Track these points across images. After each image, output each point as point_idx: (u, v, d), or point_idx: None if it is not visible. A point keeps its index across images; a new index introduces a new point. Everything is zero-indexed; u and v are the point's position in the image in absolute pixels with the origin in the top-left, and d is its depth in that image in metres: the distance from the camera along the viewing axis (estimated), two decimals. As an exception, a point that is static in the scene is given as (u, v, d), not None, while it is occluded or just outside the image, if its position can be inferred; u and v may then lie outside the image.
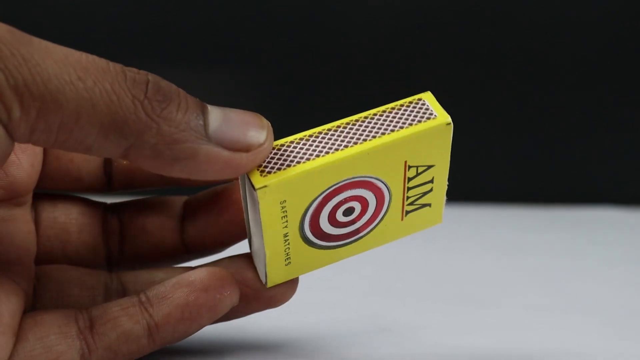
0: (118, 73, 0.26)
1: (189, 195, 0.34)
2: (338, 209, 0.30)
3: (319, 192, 0.29)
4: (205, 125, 0.27)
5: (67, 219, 0.33)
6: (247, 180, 0.29)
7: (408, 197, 0.31)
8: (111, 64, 0.26)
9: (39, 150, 0.32)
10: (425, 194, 0.31)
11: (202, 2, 0.77)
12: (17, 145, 0.31)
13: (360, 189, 0.30)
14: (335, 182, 0.29)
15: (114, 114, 0.25)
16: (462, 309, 0.43)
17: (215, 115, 0.27)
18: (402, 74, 0.81)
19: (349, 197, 0.30)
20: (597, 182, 0.77)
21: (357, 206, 0.30)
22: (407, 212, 0.31)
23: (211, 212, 0.32)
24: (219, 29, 0.78)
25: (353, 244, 0.31)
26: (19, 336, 0.29)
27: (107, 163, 0.33)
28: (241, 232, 0.33)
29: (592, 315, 0.42)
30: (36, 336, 0.29)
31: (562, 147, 0.74)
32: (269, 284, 0.31)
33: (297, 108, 0.72)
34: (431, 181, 0.31)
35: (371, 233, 0.31)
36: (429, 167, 0.30)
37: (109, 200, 0.35)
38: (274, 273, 0.31)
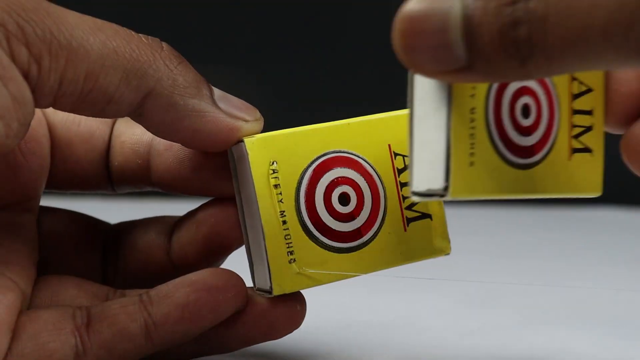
0: (132, 33, 0.28)
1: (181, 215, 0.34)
2: (332, 191, 0.30)
3: (307, 163, 0.30)
4: (211, 93, 0.30)
5: (65, 232, 0.33)
6: (235, 154, 0.30)
7: (404, 197, 0.31)
8: (122, 27, 0.29)
9: (46, 153, 0.32)
10: None
11: (201, 1, 0.77)
12: (25, 148, 0.31)
13: (349, 169, 0.31)
14: (321, 153, 0.30)
15: (135, 61, 0.28)
16: (462, 309, 0.43)
17: (217, 90, 0.30)
18: (403, 74, 0.80)
19: (340, 177, 0.30)
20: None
21: (352, 193, 0.31)
22: (408, 220, 0.31)
23: (192, 226, 0.32)
24: (219, 29, 0.78)
25: (359, 254, 0.31)
26: (14, 334, 0.28)
27: (109, 164, 0.33)
28: (221, 247, 0.32)
29: (592, 316, 0.42)
30: (29, 333, 0.28)
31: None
32: (275, 288, 0.30)
33: (296, 112, 0.72)
34: None
35: (376, 241, 0.31)
36: None
37: (114, 219, 0.35)
38: (277, 269, 0.30)
